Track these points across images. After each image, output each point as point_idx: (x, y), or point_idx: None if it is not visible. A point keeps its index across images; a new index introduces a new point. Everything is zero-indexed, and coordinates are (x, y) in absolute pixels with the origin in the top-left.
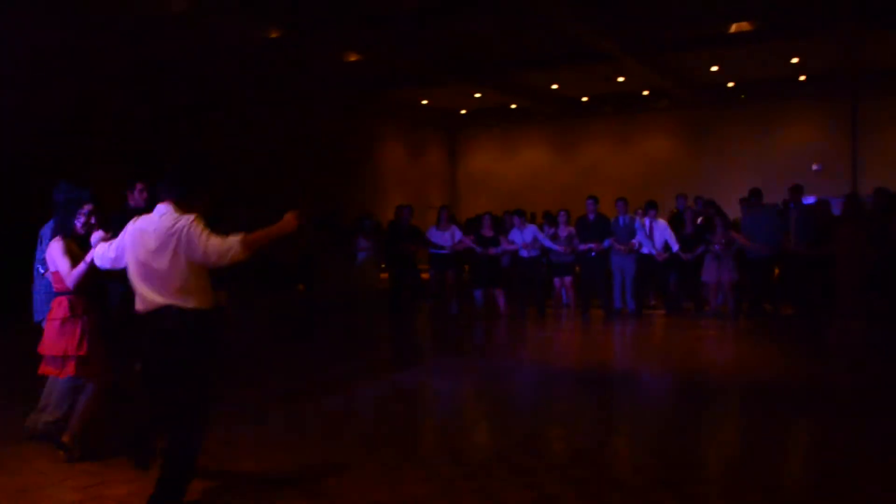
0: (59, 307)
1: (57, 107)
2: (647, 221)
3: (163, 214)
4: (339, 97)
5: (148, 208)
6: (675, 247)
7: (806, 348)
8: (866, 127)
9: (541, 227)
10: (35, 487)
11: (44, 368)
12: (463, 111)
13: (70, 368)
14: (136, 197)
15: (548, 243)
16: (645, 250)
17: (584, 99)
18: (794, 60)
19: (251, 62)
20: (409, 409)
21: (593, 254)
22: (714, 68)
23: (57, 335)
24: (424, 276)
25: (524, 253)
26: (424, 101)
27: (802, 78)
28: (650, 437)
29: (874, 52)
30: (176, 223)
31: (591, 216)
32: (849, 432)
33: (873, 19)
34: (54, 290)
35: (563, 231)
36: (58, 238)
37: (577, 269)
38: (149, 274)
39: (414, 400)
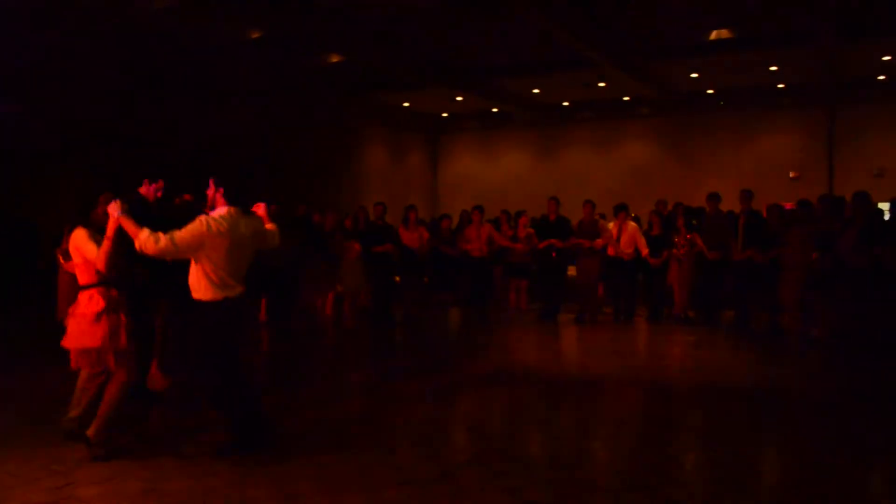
0: (92, 301)
1: (42, 105)
2: (615, 224)
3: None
4: (321, 99)
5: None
6: (644, 250)
7: (761, 352)
8: (843, 135)
9: (497, 227)
10: (5, 488)
11: (77, 362)
12: (444, 114)
13: (109, 361)
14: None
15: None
16: (613, 252)
17: (565, 104)
18: (773, 69)
19: (232, 62)
20: (385, 411)
21: (555, 254)
22: (694, 75)
23: (91, 328)
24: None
25: (477, 252)
26: (406, 104)
27: (781, 86)
28: (620, 443)
29: (852, 61)
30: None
31: (553, 216)
32: (822, 436)
33: (851, 29)
34: (79, 283)
35: (522, 232)
36: (78, 227)
37: (534, 269)
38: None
39: (389, 402)
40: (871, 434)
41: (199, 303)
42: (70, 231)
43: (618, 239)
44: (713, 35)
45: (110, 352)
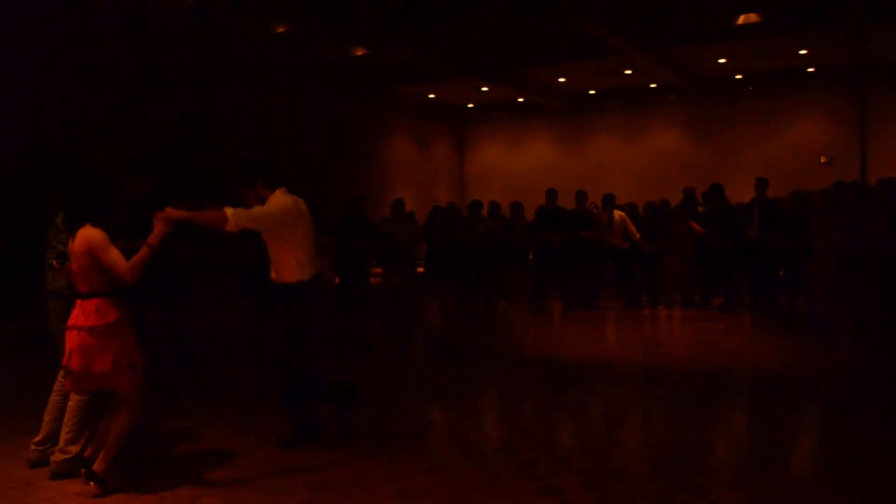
0: (99, 313)
1: (61, 101)
2: (608, 214)
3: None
4: (347, 92)
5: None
6: (636, 235)
7: (791, 339)
8: (875, 119)
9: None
10: (44, 478)
11: (81, 385)
12: (470, 105)
13: (121, 383)
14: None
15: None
16: (606, 243)
17: (592, 92)
18: (803, 52)
19: (258, 57)
20: (413, 402)
21: (553, 244)
22: (721, 61)
23: (102, 344)
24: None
25: (473, 244)
26: (431, 96)
27: (811, 70)
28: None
29: (883, 43)
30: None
31: (551, 207)
32: (852, 422)
33: (882, 11)
34: (80, 289)
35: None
36: (88, 226)
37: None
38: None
39: (416, 392)
40: None
41: (288, 286)
42: (72, 230)
43: (609, 228)
44: (741, 19)
45: (123, 371)
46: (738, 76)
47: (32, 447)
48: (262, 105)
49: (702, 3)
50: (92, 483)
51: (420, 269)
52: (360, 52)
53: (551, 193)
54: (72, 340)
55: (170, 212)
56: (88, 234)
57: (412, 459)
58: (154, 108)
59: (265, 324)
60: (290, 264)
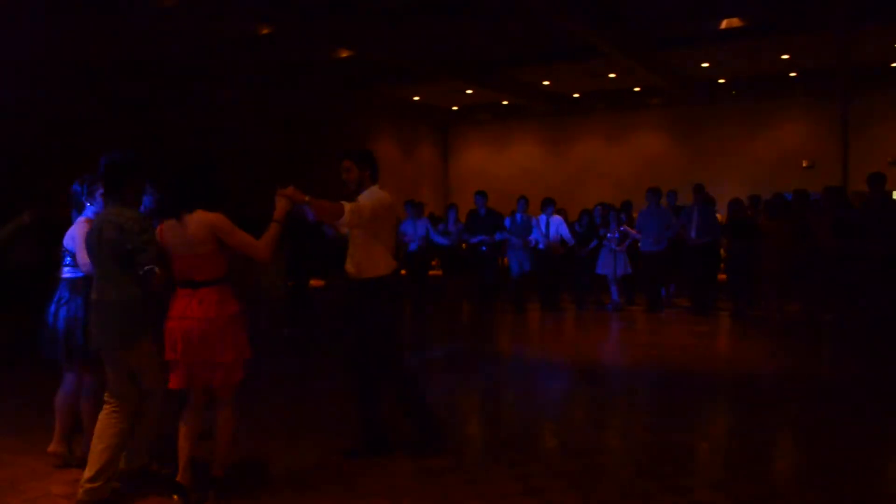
0: (220, 303)
1: (49, 101)
2: (542, 218)
3: None
4: (331, 93)
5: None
6: (571, 242)
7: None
8: (857, 124)
9: (433, 222)
10: (24, 480)
11: (195, 381)
12: (455, 107)
13: (237, 374)
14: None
15: (438, 239)
16: (542, 246)
17: (576, 95)
18: (785, 57)
19: (242, 58)
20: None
21: (484, 248)
22: (705, 65)
23: (223, 335)
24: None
25: (413, 246)
26: (416, 98)
27: (793, 74)
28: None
29: (865, 48)
30: None
31: (482, 210)
32: (835, 422)
33: (864, 16)
34: (195, 279)
35: (453, 226)
36: (203, 211)
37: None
38: None
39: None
40: (889, 420)
41: (378, 279)
42: (174, 216)
43: (546, 233)
44: (724, 24)
45: (240, 365)
46: (722, 80)
47: (86, 485)
48: (244, 106)
49: (686, 8)
50: (175, 497)
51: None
52: (344, 54)
53: (479, 196)
54: (184, 332)
55: (291, 191)
56: (209, 219)
57: (395, 460)
58: (135, 108)
59: (347, 321)
60: (377, 258)
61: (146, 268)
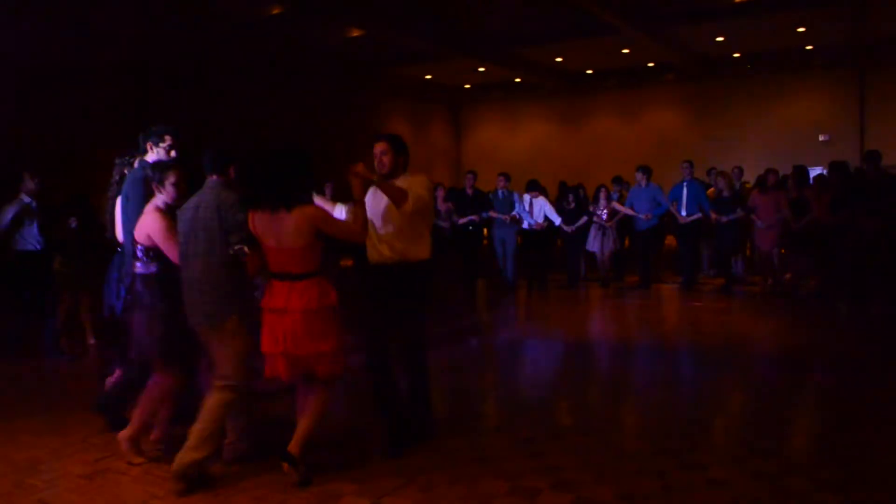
0: (321, 295)
1: (56, 84)
2: (526, 198)
3: None
4: (342, 73)
5: None
6: (557, 220)
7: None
8: (874, 97)
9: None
10: (45, 460)
11: (296, 372)
12: (467, 86)
13: (339, 363)
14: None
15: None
16: (525, 225)
17: (589, 72)
18: (801, 30)
19: (253, 38)
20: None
21: (471, 227)
22: (719, 39)
23: (325, 326)
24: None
25: None
26: (428, 77)
27: (809, 48)
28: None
29: (881, 20)
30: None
31: (469, 191)
32: (849, 398)
33: None
34: (291, 272)
35: (443, 206)
36: (310, 204)
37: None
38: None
39: None
40: None
41: (421, 262)
42: (271, 209)
43: (529, 212)
44: None
45: (342, 354)
46: (737, 54)
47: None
48: (256, 87)
49: None
50: (286, 465)
51: None
52: (355, 34)
53: (471, 174)
54: (289, 325)
55: (362, 168)
56: (309, 211)
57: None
58: (139, 104)
59: (372, 305)
60: (423, 243)
61: (236, 247)
